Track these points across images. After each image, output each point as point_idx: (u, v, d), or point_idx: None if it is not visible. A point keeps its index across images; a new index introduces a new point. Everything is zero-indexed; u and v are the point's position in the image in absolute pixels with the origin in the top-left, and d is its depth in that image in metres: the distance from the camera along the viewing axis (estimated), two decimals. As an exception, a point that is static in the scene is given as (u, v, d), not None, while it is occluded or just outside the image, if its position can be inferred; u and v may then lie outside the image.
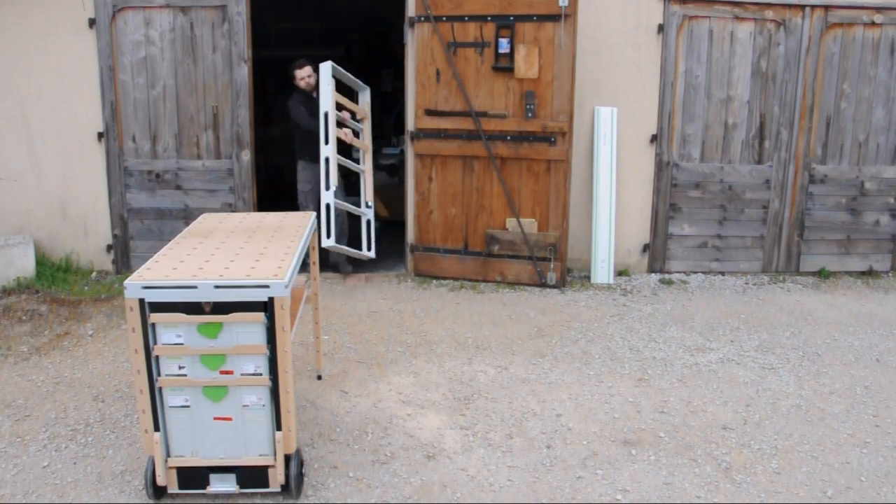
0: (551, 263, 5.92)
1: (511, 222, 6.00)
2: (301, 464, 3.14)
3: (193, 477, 3.04)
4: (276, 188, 10.29)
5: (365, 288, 5.96)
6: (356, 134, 5.70)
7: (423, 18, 5.87)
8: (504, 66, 5.80)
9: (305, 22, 10.55)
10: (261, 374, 2.94)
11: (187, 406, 2.97)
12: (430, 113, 6.01)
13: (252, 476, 3.05)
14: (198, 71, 6.01)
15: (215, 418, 2.99)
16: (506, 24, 5.74)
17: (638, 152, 6.33)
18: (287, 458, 3.04)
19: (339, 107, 5.41)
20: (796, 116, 6.36)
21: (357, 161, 5.77)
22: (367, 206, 5.62)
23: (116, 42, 5.93)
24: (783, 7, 6.17)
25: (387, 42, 10.48)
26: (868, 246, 6.64)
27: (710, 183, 6.41)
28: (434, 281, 6.12)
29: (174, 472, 3.03)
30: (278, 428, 2.98)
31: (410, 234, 6.32)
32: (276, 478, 3.04)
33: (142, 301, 2.82)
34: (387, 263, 6.66)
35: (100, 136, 6.07)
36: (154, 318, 2.85)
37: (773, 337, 5.08)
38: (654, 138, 6.31)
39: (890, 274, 6.65)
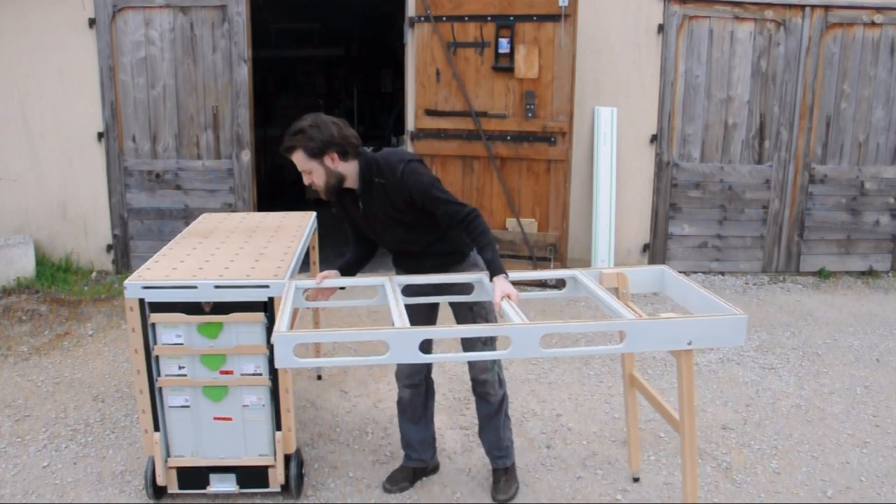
0: (551, 263, 5.92)
1: (511, 222, 5.99)
2: (301, 464, 3.14)
3: (193, 477, 3.04)
4: (276, 188, 10.33)
5: (365, 288, 5.95)
6: None
7: (423, 18, 5.87)
8: (504, 66, 5.80)
9: (305, 22, 10.56)
10: (261, 374, 2.94)
11: (187, 406, 2.97)
12: (430, 113, 6.01)
13: (252, 476, 3.05)
14: (198, 71, 6.00)
15: (215, 418, 2.98)
16: (506, 24, 5.74)
17: (638, 152, 6.32)
18: (287, 458, 3.04)
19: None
20: (796, 116, 6.36)
21: None
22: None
23: (116, 42, 5.93)
24: (783, 7, 6.17)
25: (387, 42, 10.49)
26: (868, 246, 6.64)
27: (710, 183, 6.41)
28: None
29: (174, 472, 3.03)
30: (278, 428, 2.98)
31: (410, 234, 6.31)
32: (276, 478, 3.03)
33: (142, 301, 2.82)
34: (386, 263, 6.65)
35: (100, 136, 6.07)
36: (154, 318, 2.85)
37: (773, 337, 5.08)
38: (654, 138, 6.31)
39: (890, 274, 6.65)
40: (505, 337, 2.48)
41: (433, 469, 3.34)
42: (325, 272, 2.94)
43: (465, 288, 2.96)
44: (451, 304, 3.04)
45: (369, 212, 2.85)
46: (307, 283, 2.96)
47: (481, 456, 3.46)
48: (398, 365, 3.11)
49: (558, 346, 4.80)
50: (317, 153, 2.70)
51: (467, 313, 3.01)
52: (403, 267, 3.06)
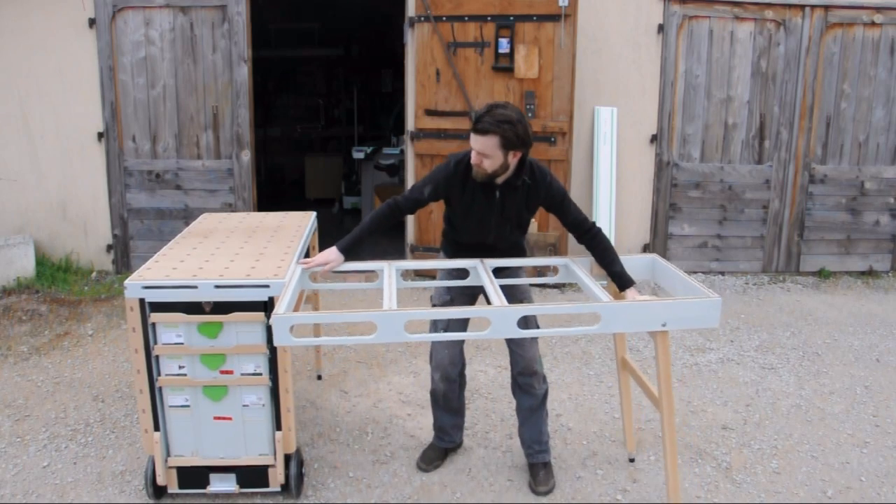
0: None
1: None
2: (301, 464, 3.14)
3: (193, 477, 3.04)
4: (276, 188, 10.34)
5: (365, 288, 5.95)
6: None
7: (423, 18, 5.87)
8: (504, 66, 5.80)
9: (305, 22, 10.56)
10: (261, 374, 2.94)
11: (187, 406, 2.97)
12: (430, 113, 6.01)
13: (252, 476, 3.05)
14: (198, 71, 6.00)
15: (215, 418, 2.98)
16: (506, 24, 5.74)
17: (638, 152, 6.33)
18: (287, 458, 3.04)
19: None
20: (796, 116, 6.36)
21: None
22: None
23: (116, 42, 5.93)
24: (783, 7, 6.17)
25: (387, 42, 10.48)
26: (868, 246, 6.64)
27: (710, 183, 6.41)
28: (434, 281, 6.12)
29: (174, 472, 3.03)
30: (278, 428, 2.98)
31: (410, 234, 6.31)
32: (276, 478, 3.04)
33: (142, 301, 2.82)
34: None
35: (100, 136, 6.07)
36: (154, 317, 2.85)
37: (773, 337, 5.08)
38: (654, 138, 6.31)
39: (890, 274, 6.65)
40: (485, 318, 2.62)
41: (458, 445, 3.53)
42: (328, 258, 3.01)
43: (519, 274, 3.20)
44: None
45: (500, 204, 2.99)
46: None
47: (481, 456, 3.46)
48: (436, 359, 3.25)
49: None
50: (508, 146, 2.80)
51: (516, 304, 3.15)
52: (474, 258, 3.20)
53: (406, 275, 6.17)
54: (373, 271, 3.16)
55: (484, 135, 2.78)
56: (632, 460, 3.44)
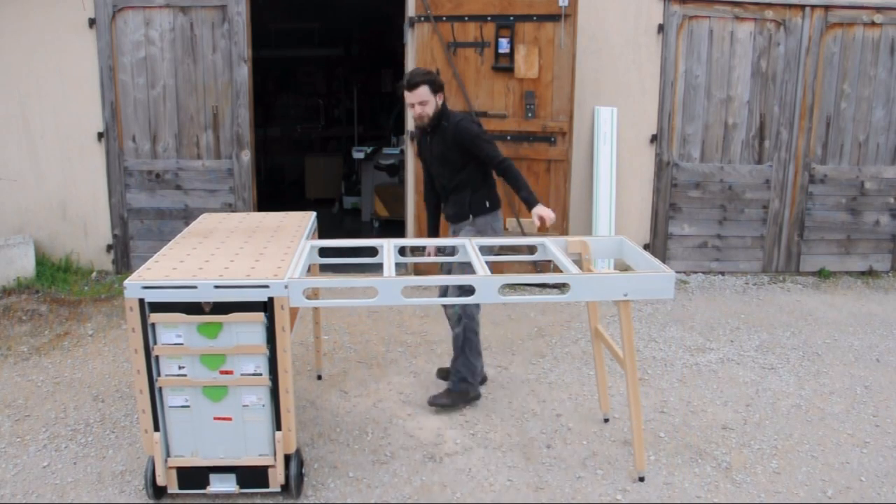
0: (551, 264, 5.91)
1: (511, 222, 5.99)
2: (301, 464, 3.14)
3: (193, 477, 3.04)
4: (276, 188, 10.34)
5: (365, 288, 5.96)
6: None
7: (423, 18, 5.87)
8: (504, 66, 5.80)
9: (305, 22, 10.56)
10: (260, 374, 2.94)
11: (187, 406, 2.97)
12: (430, 113, 6.01)
13: (252, 476, 3.05)
14: (198, 71, 6.00)
15: (215, 418, 2.98)
16: (506, 24, 5.74)
17: (638, 152, 6.33)
18: (287, 458, 3.04)
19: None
20: (796, 116, 6.36)
21: None
22: None
23: (116, 42, 5.93)
24: (783, 7, 6.17)
25: (387, 42, 10.49)
26: (868, 246, 6.64)
27: (710, 183, 6.41)
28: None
29: (174, 472, 3.03)
30: (278, 428, 2.98)
31: (410, 234, 6.32)
32: (276, 478, 3.04)
33: (142, 301, 2.82)
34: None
35: (100, 136, 6.07)
36: (154, 318, 2.85)
37: (773, 337, 5.08)
38: (654, 138, 6.31)
39: (890, 274, 6.65)
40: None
41: (475, 397, 3.96)
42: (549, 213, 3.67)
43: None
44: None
45: (433, 145, 3.82)
46: (322, 242, 3.55)
47: (481, 456, 3.46)
48: (446, 312, 4.01)
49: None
50: (436, 90, 3.69)
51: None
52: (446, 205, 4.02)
53: (406, 272, 6.21)
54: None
55: (417, 87, 3.63)
56: (606, 420, 3.79)
